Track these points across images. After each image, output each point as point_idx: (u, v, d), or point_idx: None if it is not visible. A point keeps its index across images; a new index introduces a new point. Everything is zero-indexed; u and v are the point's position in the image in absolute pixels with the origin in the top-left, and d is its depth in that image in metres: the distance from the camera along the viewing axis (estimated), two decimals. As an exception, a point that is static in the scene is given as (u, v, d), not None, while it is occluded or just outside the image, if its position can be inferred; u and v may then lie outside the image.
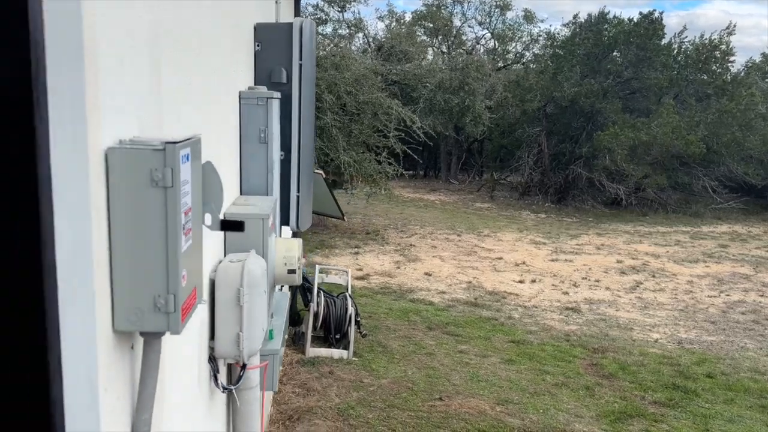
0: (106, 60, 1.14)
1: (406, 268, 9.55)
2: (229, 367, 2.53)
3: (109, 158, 1.14)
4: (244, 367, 2.35)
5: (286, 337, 5.00)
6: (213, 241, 2.19)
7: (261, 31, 3.20)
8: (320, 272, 5.79)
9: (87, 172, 1.06)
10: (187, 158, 1.23)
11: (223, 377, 2.43)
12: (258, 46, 3.22)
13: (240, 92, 2.79)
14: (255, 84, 3.20)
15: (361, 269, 9.16)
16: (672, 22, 52.40)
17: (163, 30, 1.49)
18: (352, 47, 18.66)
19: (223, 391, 2.37)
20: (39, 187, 0.94)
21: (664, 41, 18.51)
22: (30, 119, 0.92)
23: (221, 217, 1.43)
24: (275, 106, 2.95)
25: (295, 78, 3.34)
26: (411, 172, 20.80)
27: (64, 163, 1.02)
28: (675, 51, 18.78)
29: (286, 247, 2.77)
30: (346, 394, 4.67)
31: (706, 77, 18.62)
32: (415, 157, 13.76)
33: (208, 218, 1.38)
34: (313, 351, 5.41)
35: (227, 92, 2.58)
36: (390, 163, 11.81)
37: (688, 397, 5.16)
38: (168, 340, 1.39)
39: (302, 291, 5.91)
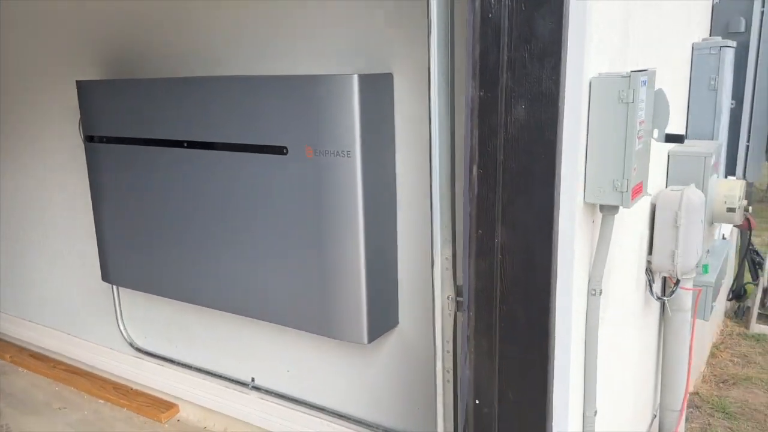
0: (595, 24, 1.68)
1: None
2: (664, 282, 2.91)
3: (592, 84, 1.69)
4: (677, 283, 2.70)
5: (731, 306, 4.98)
6: (656, 174, 2.59)
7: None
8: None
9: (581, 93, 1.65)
10: (644, 84, 1.69)
11: (657, 290, 2.83)
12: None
13: (693, 43, 3.06)
14: (711, 35, 3.38)
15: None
16: None
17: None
18: None
19: (657, 300, 2.78)
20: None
21: None
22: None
23: (665, 132, 1.84)
24: (728, 56, 3.11)
25: (755, 26, 3.38)
26: None
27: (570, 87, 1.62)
28: None
29: (728, 187, 2.95)
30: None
31: None
32: None
33: (656, 132, 1.81)
34: (758, 327, 5.20)
35: (680, 44, 2.90)
36: None
37: None
38: (617, 229, 1.90)
39: (750, 264, 5.66)
